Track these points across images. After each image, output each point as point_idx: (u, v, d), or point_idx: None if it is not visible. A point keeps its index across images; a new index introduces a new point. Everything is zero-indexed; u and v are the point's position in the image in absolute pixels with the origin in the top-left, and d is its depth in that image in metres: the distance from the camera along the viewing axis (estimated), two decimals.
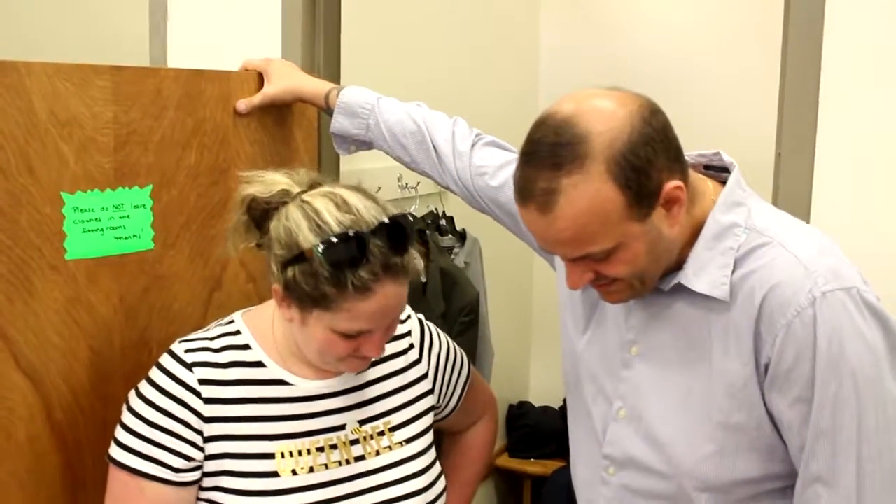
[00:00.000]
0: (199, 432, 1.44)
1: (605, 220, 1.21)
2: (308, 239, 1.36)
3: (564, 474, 3.16)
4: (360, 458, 1.51)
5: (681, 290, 1.33)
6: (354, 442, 1.51)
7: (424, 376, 1.63)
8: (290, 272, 1.37)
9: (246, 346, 1.50)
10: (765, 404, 1.29)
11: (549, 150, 1.22)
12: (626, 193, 1.21)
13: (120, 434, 1.46)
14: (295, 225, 1.38)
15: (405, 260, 1.38)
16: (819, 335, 1.22)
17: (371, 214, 1.38)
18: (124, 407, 1.48)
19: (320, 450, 1.48)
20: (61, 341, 1.53)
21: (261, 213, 1.45)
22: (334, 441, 1.50)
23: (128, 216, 1.61)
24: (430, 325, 1.71)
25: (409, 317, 1.66)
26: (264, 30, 2.14)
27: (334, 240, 1.34)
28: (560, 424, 3.39)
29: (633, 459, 1.40)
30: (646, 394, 1.38)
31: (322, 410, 1.50)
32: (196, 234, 1.73)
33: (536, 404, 3.64)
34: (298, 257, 1.36)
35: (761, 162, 1.85)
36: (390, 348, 1.59)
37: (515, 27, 3.46)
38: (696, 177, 1.35)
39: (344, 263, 1.33)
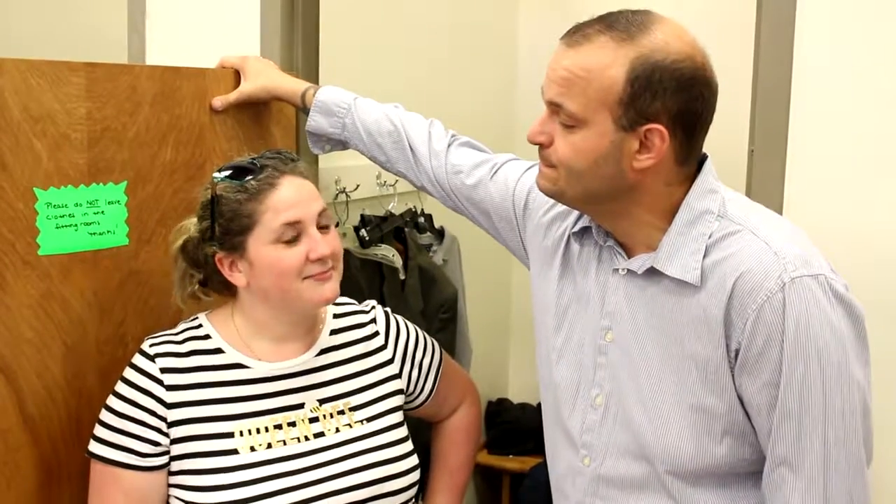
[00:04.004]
0: (164, 419, 1.51)
1: (593, 87, 1.26)
2: (209, 187, 1.54)
3: (543, 471, 3.16)
4: (319, 435, 1.56)
5: (654, 273, 1.36)
6: (314, 420, 1.57)
7: (390, 361, 1.69)
8: (216, 226, 1.52)
9: (206, 336, 1.58)
10: (736, 389, 1.31)
11: (616, 15, 1.30)
12: (626, 91, 1.26)
13: (96, 429, 1.53)
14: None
15: (302, 166, 1.57)
16: (787, 319, 1.25)
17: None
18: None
19: (278, 427, 1.54)
20: (34, 336, 1.53)
21: (194, 253, 1.58)
22: (293, 419, 1.56)
23: (102, 212, 1.61)
24: (399, 317, 1.76)
25: (373, 307, 1.74)
26: (243, 28, 2.14)
27: (230, 165, 1.55)
28: (538, 421, 3.38)
29: (608, 446, 1.42)
30: (621, 379, 1.40)
31: (280, 390, 1.57)
32: (171, 231, 1.73)
33: (515, 401, 3.65)
34: (212, 202, 1.52)
35: (734, 159, 1.86)
36: (354, 334, 1.67)
37: (494, 27, 3.47)
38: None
39: (242, 173, 1.52)
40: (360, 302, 1.76)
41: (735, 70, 1.89)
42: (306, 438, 1.55)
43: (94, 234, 1.60)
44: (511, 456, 3.50)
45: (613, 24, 1.28)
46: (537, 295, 1.57)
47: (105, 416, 1.52)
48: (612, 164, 1.30)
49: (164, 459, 1.52)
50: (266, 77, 1.89)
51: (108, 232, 1.63)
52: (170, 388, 1.51)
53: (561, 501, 1.53)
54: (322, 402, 1.59)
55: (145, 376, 1.52)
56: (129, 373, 1.53)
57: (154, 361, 1.52)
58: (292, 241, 1.50)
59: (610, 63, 1.26)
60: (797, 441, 1.26)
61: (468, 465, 1.85)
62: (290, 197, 1.51)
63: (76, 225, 1.58)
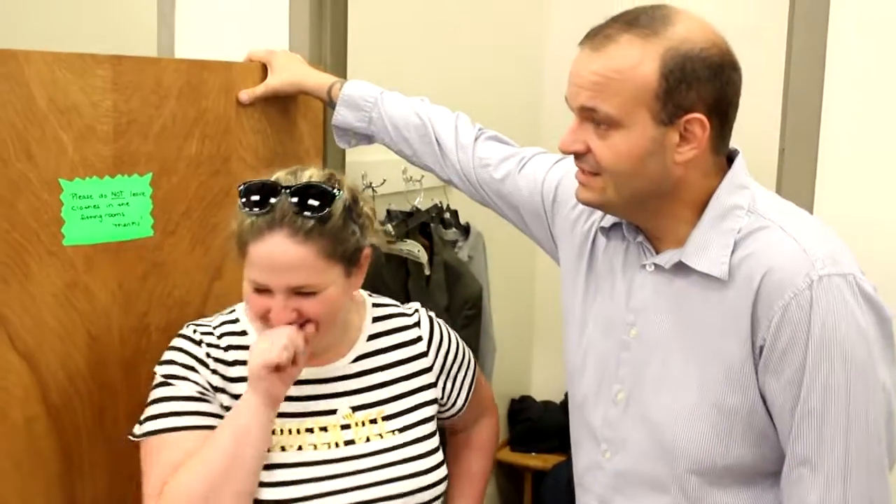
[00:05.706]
0: (214, 388, 1.48)
1: (627, 87, 1.25)
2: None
3: (565, 469, 3.16)
4: (349, 443, 1.53)
5: (682, 268, 1.34)
6: (345, 427, 1.53)
7: (428, 370, 1.64)
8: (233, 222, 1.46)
9: (243, 332, 1.54)
10: (759, 387, 1.29)
11: (633, 12, 1.29)
12: (661, 85, 1.25)
13: (148, 411, 1.47)
14: None
15: (310, 224, 1.40)
16: (814, 318, 1.23)
17: (306, 179, 1.44)
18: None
19: (310, 430, 1.51)
20: (58, 325, 1.54)
21: None
22: (324, 424, 1.52)
23: (127, 204, 1.62)
24: (442, 323, 1.71)
25: (416, 310, 1.68)
26: (272, 22, 2.15)
27: (251, 182, 1.43)
28: (561, 419, 3.36)
29: (629, 442, 1.41)
30: (643, 376, 1.39)
31: (314, 394, 1.53)
32: (197, 223, 1.75)
33: (538, 399, 3.64)
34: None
35: (765, 157, 1.84)
36: (394, 338, 1.62)
37: (522, 22, 3.45)
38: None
39: (249, 203, 1.41)
40: (399, 301, 1.70)
41: (766, 68, 1.87)
42: (336, 445, 1.52)
43: (119, 225, 1.61)
44: (533, 454, 3.49)
45: (634, 21, 1.27)
46: (566, 288, 1.56)
47: (155, 392, 1.47)
48: (656, 161, 1.28)
49: (218, 408, 1.48)
50: (293, 71, 1.89)
51: (132, 223, 1.63)
52: (214, 371, 1.49)
53: (582, 495, 1.52)
54: (355, 409, 1.55)
55: (191, 357, 1.49)
56: (172, 354, 1.49)
57: (200, 346, 1.50)
58: (262, 291, 1.42)
59: (640, 60, 1.25)
60: (818, 442, 1.25)
61: (488, 474, 1.84)
62: (261, 261, 1.40)
63: (101, 216, 1.58)
